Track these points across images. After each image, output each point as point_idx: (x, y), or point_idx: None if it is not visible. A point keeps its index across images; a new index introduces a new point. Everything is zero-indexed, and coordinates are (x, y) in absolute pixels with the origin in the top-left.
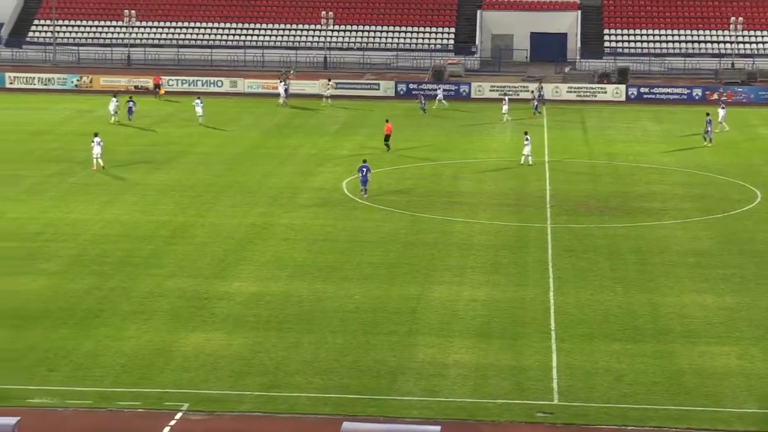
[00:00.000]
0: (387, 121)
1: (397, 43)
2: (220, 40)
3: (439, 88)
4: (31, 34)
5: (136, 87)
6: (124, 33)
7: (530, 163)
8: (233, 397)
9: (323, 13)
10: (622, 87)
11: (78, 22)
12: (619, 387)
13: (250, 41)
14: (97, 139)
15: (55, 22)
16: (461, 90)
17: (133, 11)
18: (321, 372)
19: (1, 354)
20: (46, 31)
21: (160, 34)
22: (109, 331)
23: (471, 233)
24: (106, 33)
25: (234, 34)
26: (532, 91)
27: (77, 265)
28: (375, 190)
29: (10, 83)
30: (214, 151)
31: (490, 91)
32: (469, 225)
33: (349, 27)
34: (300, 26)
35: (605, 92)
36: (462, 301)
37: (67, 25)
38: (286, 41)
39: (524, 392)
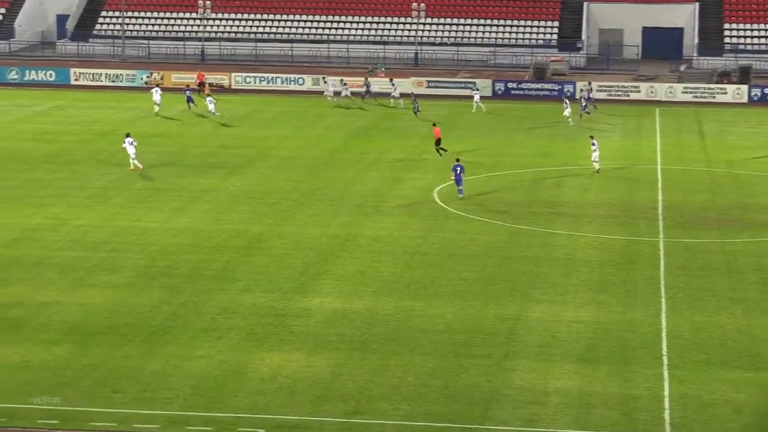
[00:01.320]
0: (434, 124)
1: (495, 39)
2: (301, 35)
3: (477, 91)
4: (98, 27)
5: (210, 84)
6: (198, 26)
7: (596, 169)
8: (313, 423)
9: (414, 5)
10: (744, 87)
11: (148, 14)
12: (739, 420)
13: (334, 35)
14: (129, 140)
15: (124, 14)
16: (565, 90)
17: (207, 2)
18: (408, 397)
19: (63, 372)
20: (114, 24)
21: (237, 27)
22: (178, 350)
23: (575, 247)
24: (179, 26)
25: (317, 28)
26: (581, 89)
27: (145, 277)
28: (469, 199)
29: (76, 79)
30: (295, 154)
31: (598, 91)
32: (573, 238)
33: (442, 20)
34: (389, 19)
35: (725, 93)
36: (564, 322)
37: (136, 17)
38: (374, 36)
39: (633, 423)
